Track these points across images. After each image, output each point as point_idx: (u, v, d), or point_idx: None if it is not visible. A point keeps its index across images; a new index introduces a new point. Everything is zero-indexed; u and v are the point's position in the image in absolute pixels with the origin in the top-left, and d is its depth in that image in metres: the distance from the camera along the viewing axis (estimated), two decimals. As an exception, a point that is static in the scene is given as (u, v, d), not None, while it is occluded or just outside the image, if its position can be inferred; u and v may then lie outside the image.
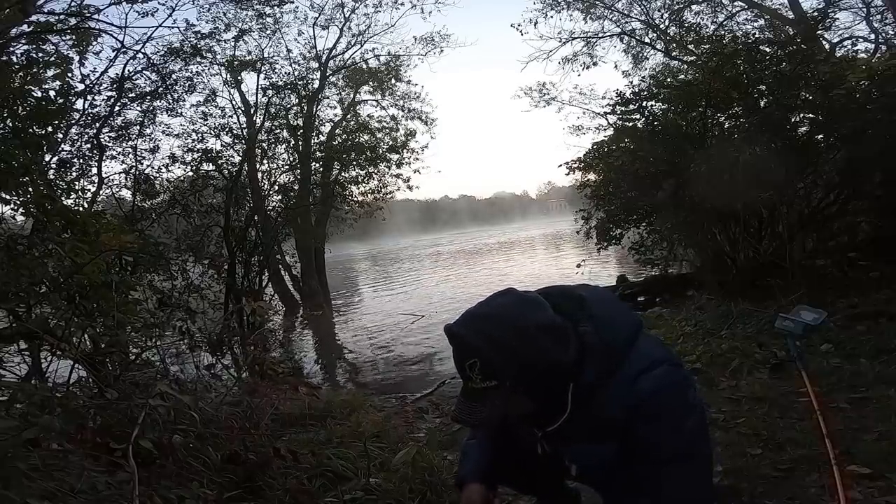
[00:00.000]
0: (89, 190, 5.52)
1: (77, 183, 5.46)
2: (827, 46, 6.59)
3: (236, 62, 7.79)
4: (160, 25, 5.22)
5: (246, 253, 6.44)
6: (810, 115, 4.26)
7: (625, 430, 1.00)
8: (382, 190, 10.60)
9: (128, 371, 2.21)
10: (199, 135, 7.62)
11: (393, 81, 12.08)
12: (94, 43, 4.29)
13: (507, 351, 0.91)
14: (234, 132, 7.61)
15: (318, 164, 9.35)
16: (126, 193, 6.45)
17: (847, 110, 3.51)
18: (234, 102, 8.92)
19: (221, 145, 7.59)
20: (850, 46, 7.32)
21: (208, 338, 2.79)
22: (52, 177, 5.21)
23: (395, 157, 10.19)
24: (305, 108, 9.59)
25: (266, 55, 9.00)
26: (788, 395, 2.63)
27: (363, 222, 12.13)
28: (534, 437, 1.16)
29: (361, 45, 11.66)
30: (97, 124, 5.41)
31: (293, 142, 8.38)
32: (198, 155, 6.92)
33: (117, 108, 5.74)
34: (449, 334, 0.95)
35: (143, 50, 5.17)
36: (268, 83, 8.33)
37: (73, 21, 3.09)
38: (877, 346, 3.02)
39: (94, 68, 6.12)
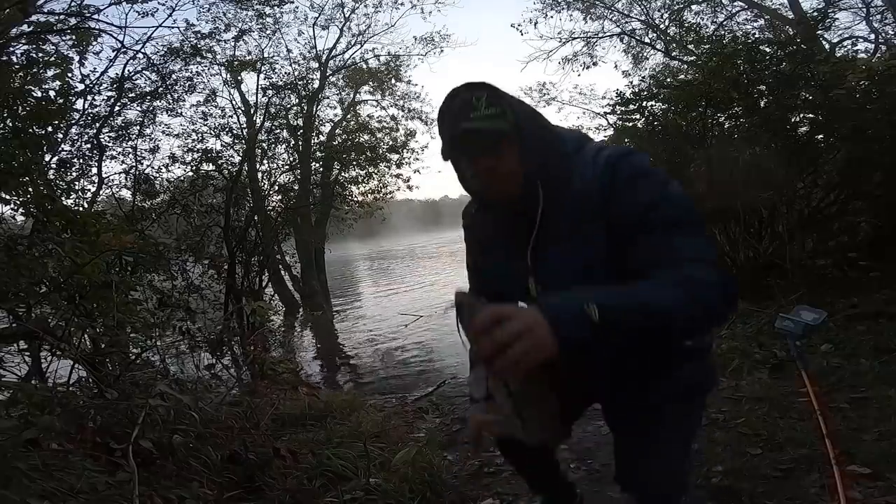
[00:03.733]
0: (89, 190, 5.53)
1: (77, 183, 5.46)
2: (827, 46, 6.59)
3: (236, 62, 7.78)
4: (160, 25, 5.23)
5: (246, 253, 6.44)
6: (810, 115, 4.26)
7: (607, 210, 0.93)
8: (382, 190, 10.60)
9: (128, 371, 2.22)
10: (200, 135, 7.64)
11: (393, 81, 12.12)
12: (95, 43, 4.30)
13: (510, 99, 0.96)
14: (234, 132, 7.61)
15: (318, 165, 9.35)
16: (126, 193, 6.46)
17: (848, 110, 3.51)
18: (234, 102, 8.94)
19: (221, 145, 7.61)
20: (849, 46, 7.32)
21: (208, 338, 2.79)
22: (52, 177, 5.22)
23: (394, 157, 10.19)
24: (305, 108, 9.60)
25: (266, 55, 9.03)
26: (788, 396, 2.63)
27: (364, 222, 12.14)
28: (522, 269, 1.02)
29: (361, 45, 11.69)
30: (97, 124, 5.41)
31: (293, 142, 8.39)
32: (198, 155, 6.92)
33: (117, 108, 5.75)
34: (452, 90, 0.96)
35: (142, 50, 5.18)
36: (268, 83, 8.35)
37: (72, 21, 3.09)
38: (877, 345, 3.02)
39: (94, 68, 6.14)
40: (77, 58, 3.77)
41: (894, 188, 4.03)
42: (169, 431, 2.06)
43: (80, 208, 4.73)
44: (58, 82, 3.39)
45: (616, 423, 1.20)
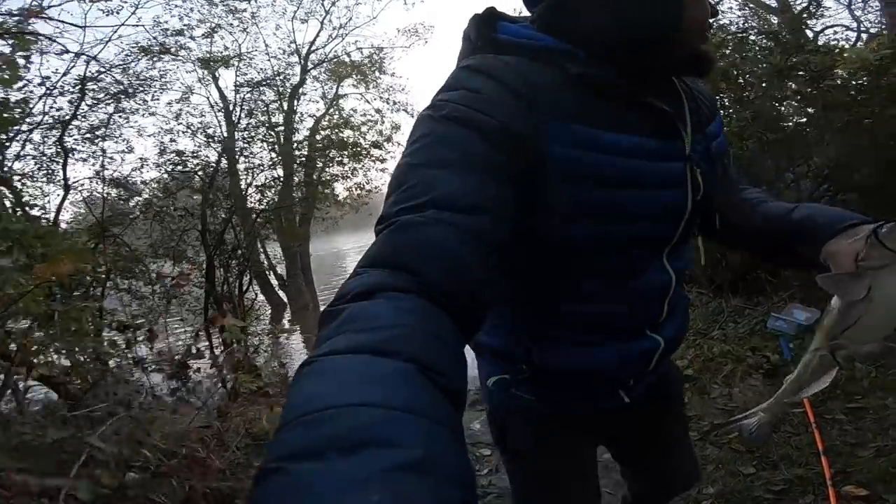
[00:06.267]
0: (57, 195, 5.29)
1: (40, 190, 5.22)
2: (810, 35, 6.47)
3: (211, 59, 7.51)
4: (122, 24, 4.98)
5: (225, 256, 6.23)
6: (802, 107, 4.14)
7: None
8: (367, 185, 10.40)
9: (78, 404, 2.05)
10: (174, 134, 7.37)
11: (377, 74, 11.82)
12: (51, 43, 4.07)
13: None
14: (209, 132, 7.36)
15: (299, 163, 9.10)
16: (97, 197, 6.20)
17: (840, 103, 3.39)
18: (210, 100, 8.66)
19: (196, 145, 7.35)
20: (832, 35, 7.22)
21: (170, 361, 2.62)
22: (18, 185, 4.97)
23: (378, 152, 9.95)
24: (287, 103, 9.32)
25: (244, 50, 8.74)
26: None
27: (353, 216, 11.98)
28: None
29: (343, 38, 11.37)
30: (60, 127, 5.16)
31: (273, 139, 8.15)
32: (172, 155, 6.67)
33: (83, 109, 5.49)
34: None
35: (104, 49, 4.93)
36: (244, 80, 8.07)
37: (12, 21, 2.88)
38: (871, 348, 2.92)
39: (57, 69, 5.85)
40: (23, 62, 3.55)
41: (882, 181, 3.93)
42: (123, 469, 1.90)
43: (45, 220, 4.52)
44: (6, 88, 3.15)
45: (643, 442, 1.02)
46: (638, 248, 0.68)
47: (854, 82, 3.48)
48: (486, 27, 0.65)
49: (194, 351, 2.82)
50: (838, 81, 3.49)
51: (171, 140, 7.14)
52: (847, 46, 4.62)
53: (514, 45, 0.62)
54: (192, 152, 6.59)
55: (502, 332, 0.77)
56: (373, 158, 9.99)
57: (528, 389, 0.81)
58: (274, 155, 7.22)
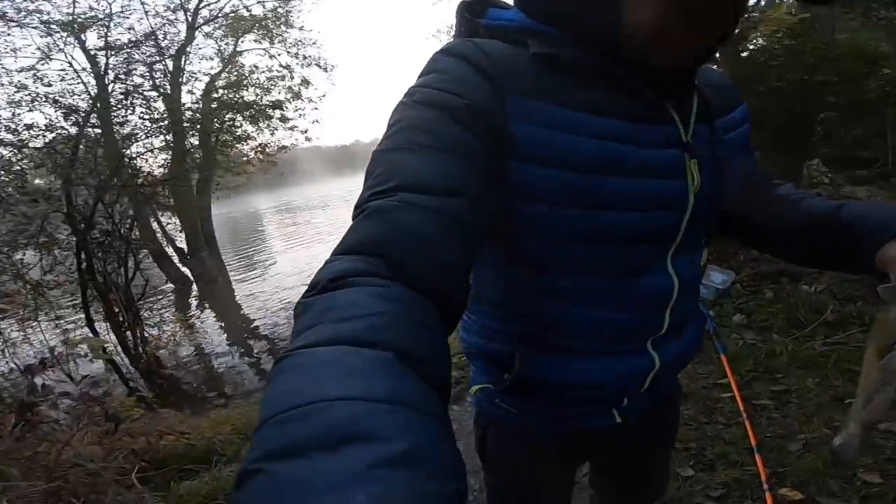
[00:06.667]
0: None
1: None
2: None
3: (74, 21, 6.10)
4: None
5: (102, 240, 5.30)
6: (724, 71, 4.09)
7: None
8: (270, 146, 9.48)
9: None
10: (27, 105, 6.02)
11: (283, 28, 10.67)
12: None
13: None
14: (69, 103, 6.06)
15: (191, 127, 7.93)
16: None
17: (764, 67, 3.32)
18: (75, 65, 7.16)
19: (59, 113, 6.05)
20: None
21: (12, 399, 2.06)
22: None
23: (278, 113, 8.98)
24: (172, 63, 7.97)
25: (115, 10, 7.21)
26: (711, 390, 2.50)
27: (268, 176, 11.11)
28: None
29: (240, -9, 9.89)
30: None
31: (158, 104, 6.97)
32: (22, 129, 5.42)
33: None
34: None
35: None
36: (115, 41, 6.68)
37: None
38: (787, 317, 3.00)
39: None
40: None
41: (785, 140, 4.04)
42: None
43: None
44: None
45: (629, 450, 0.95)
46: (632, 243, 0.62)
47: (775, 46, 3.40)
48: (469, 14, 0.63)
49: (41, 383, 2.25)
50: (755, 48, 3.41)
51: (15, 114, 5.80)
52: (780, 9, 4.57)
53: (491, 28, 0.61)
54: (48, 125, 5.38)
55: (490, 334, 0.74)
56: (277, 119, 9.03)
57: (512, 402, 0.77)
58: (150, 123, 6.12)
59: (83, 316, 5.83)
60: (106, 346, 3.80)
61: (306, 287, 0.40)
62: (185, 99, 8.06)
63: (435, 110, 0.51)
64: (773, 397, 2.35)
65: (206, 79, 9.08)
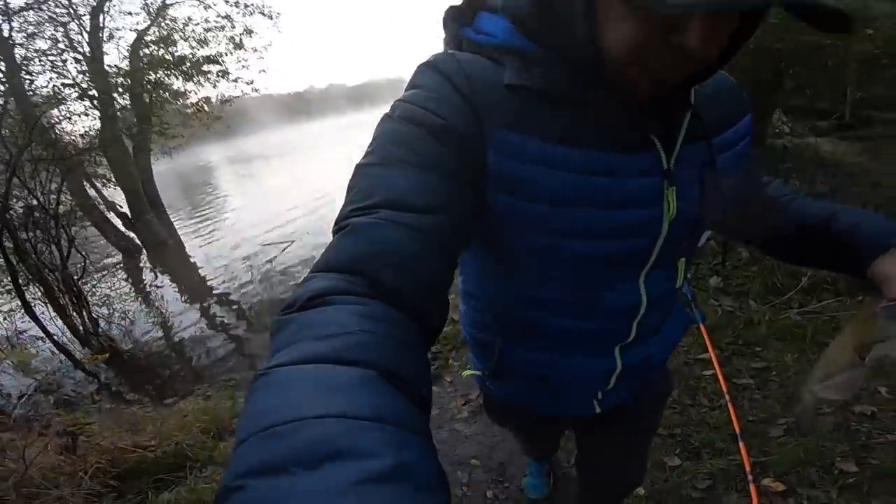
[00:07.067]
0: None
1: None
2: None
3: None
4: None
5: (24, 219, 4.75)
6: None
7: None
8: (212, 101, 8.69)
9: None
10: None
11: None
12: None
13: None
14: None
15: (118, 87, 7.05)
16: None
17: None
18: None
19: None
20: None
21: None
22: None
23: (215, 68, 8.14)
24: (90, 22, 6.90)
25: None
26: (693, 367, 2.48)
27: (221, 122, 10.41)
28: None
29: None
30: None
31: (77, 65, 6.08)
32: None
33: None
34: None
35: None
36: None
37: None
38: (764, 282, 2.99)
39: None
40: None
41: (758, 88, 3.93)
42: None
43: None
44: None
45: (606, 432, 1.08)
46: (600, 265, 0.63)
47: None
48: (454, 23, 0.61)
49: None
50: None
51: None
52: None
53: (472, 43, 0.59)
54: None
55: (478, 326, 0.81)
56: (215, 74, 8.20)
57: (498, 386, 0.87)
58: (63, 88, 5.34)
59: (20, 303, 5.35)
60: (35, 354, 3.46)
61: (284, 305, 0.39)
62: (113, 59, 7.16)
63: (416, 127, 0.51)
64: (753, 375, 2.35)
65: (133, 35, 8.04)
